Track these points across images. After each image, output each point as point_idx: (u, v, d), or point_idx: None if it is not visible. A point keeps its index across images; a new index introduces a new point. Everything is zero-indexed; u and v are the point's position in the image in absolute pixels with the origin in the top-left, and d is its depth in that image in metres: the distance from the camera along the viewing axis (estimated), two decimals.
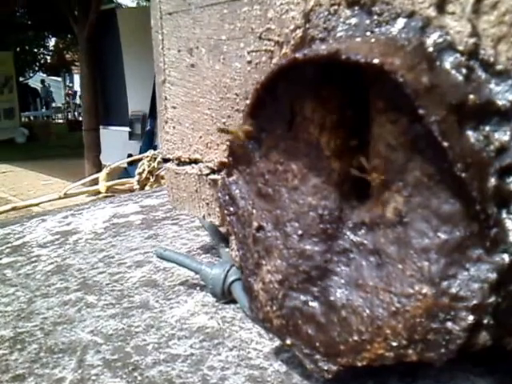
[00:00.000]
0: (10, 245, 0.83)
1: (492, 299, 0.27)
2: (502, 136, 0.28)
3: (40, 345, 0.46)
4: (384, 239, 0.31)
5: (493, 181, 0.27)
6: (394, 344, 0.30)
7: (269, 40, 0.42)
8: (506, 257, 0.27)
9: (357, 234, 0.33)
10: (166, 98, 0.58)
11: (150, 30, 0.57)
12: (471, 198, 0.26)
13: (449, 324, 0.28)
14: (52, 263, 0.70)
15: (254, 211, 0.37)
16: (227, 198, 0.39)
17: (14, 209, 1.30)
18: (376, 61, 0.26)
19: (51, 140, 9.08)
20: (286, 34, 0.40)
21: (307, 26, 0.36)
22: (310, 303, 0.34)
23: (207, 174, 0.52)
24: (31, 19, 8.97)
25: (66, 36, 10.23)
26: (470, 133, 0.28)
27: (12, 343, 0.47)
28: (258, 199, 0.37)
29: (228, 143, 0.38)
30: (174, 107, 0.56)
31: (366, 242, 0.33)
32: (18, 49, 10.07)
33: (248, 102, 0.34)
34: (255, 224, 0.37)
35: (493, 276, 0.27)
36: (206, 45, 0.50)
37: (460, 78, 0.28)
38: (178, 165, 0.58)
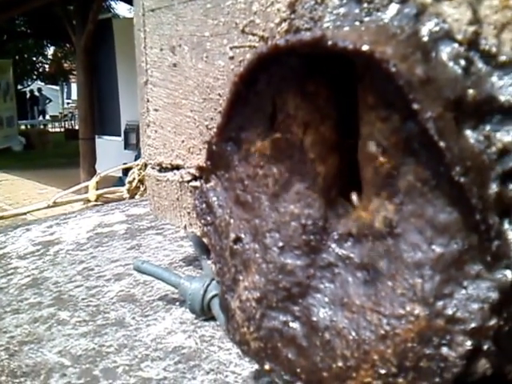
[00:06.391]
0: None
1: (493, 322, 0.24)
2: (504, 136, 0.25)
3: (2, 367, 0.42)
4: (373, 253, 0.28)
5: (494, 187, 0.24)
6: (383, 371, 0.27)
7: (253, 35, 0.39)
8: (508, 273, 0.24)
9: (343, 247, 0.30)
10: (148, 101, 0.55)
11: None
12: (470, 207, 0.23)
13: (444, 350, 0.25)
14: (28, 276, 0.66)
15: (232, 221, 0.33)
16: (204, 206, 0.36)
17: (1, 218, 1.27)
18: (365, 48, 0.22)
19: (48, 149, 9.02)
20: (271, 28, 0.37)
21: (292, 16, 0.33)
22: (291, 324, 0.31)
23: (189, 181, 0.49)
24: (31, 27, 8.92)
25: (65, 45, 10.21)
26: (469, 132, 0.25)
27: None
28: (235, 207, 0.33)
29: (206, 145, 0.34)
30: (156, 110, 0.53)
31: (352, 255, 0.29)
32: (17, 57, 10.02)
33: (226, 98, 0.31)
34: (232, 235, 0.33)
35: (494, 295, 0.24)
36: (188, 42, 0.46)
37: (458, 70, 0.25)
38: (159, 171, 0.55)
